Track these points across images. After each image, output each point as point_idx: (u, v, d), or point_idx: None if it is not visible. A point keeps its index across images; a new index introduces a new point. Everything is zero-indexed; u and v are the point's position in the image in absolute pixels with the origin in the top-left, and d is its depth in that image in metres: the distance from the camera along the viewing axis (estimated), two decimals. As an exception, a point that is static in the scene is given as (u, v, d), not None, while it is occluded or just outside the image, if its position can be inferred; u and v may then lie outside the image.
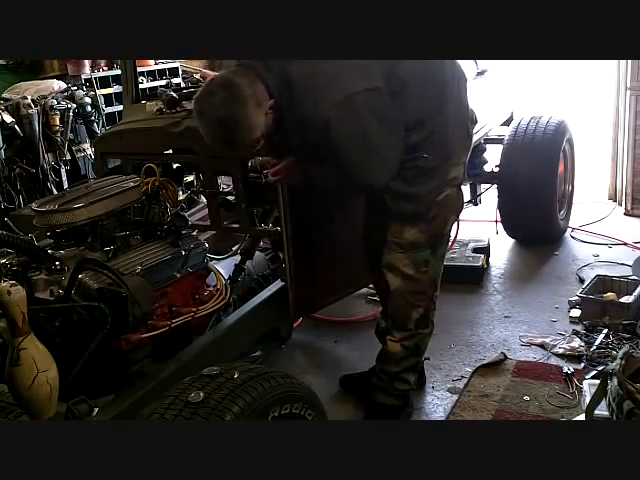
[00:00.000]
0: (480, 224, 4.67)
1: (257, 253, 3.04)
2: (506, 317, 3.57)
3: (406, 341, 2.62)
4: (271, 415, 1.71)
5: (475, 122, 2.61)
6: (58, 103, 4.74)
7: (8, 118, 4.47)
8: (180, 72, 5.87)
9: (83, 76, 5.23)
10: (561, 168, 4.41)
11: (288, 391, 1.78)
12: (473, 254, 4.13)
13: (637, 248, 4.28)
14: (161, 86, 5.04)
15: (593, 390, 2.27)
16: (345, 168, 2.32)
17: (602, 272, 3.76)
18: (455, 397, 2.87)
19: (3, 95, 4.88)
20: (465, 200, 4.39)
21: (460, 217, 3.84)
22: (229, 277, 2.78)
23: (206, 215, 3.11)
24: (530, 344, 3.26)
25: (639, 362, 2.22)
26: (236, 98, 2.11)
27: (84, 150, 4.98)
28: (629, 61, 4.72)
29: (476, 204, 4.61)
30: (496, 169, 4.41)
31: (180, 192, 3.03)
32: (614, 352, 2.84)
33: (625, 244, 4.40)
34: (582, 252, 4.35)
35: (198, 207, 3.41)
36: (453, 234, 3.92)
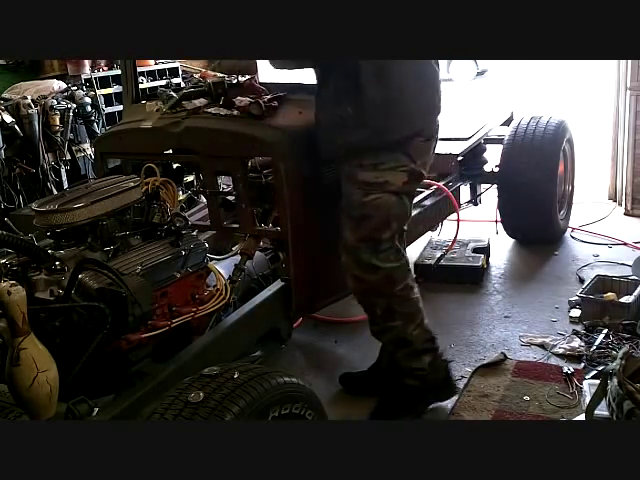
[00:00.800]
0: (480, 224, 4.67)
1: (257, 253, 3.04)
2: (506, 317, 3.57)
3: (382, 336, 2.71)
4: (271, 415, 1.71)
5: (436, 138, 2.62)
6: (58, 103, 4.74)
7: (8, 118, 4.47)
8: (180, 72, 5.87)
9: (83, 76, 5.22)
10: (561, 168, 4.41)
11: (288, 391, 1.78)
12: (473, 254, 4.13)
13: (637, 248, 4.27)
14: (161, 86, 5.04)
15: (593, 390, 2.27)
16: (370, 105, 2.38)
17: (602, 272, 3.76)
18: (455, 397, 2.87)
19: (3, 95, 4.88)
20: (465, 200, 4.48)
21: (460, 217, 3.92)
22: (229, 277, 2.78)
23: (206, 215, 3.11)
24: (530, 344, 3.26)
25: (639, 362, 2.22)
26: None
27: (84, 150, 4.98)
28: (629, 61, 4.72)
29: (476, 204, 4.61)
30: (496, 169, 4.41)
31: (180, 192, 3.03)
32: (614, 352, 2.84)
33: (625, 244, 4.40)
34: (582, 252, 4.35)
35: (198, 207, 3.41)
36: (453, 234, 3.93)
